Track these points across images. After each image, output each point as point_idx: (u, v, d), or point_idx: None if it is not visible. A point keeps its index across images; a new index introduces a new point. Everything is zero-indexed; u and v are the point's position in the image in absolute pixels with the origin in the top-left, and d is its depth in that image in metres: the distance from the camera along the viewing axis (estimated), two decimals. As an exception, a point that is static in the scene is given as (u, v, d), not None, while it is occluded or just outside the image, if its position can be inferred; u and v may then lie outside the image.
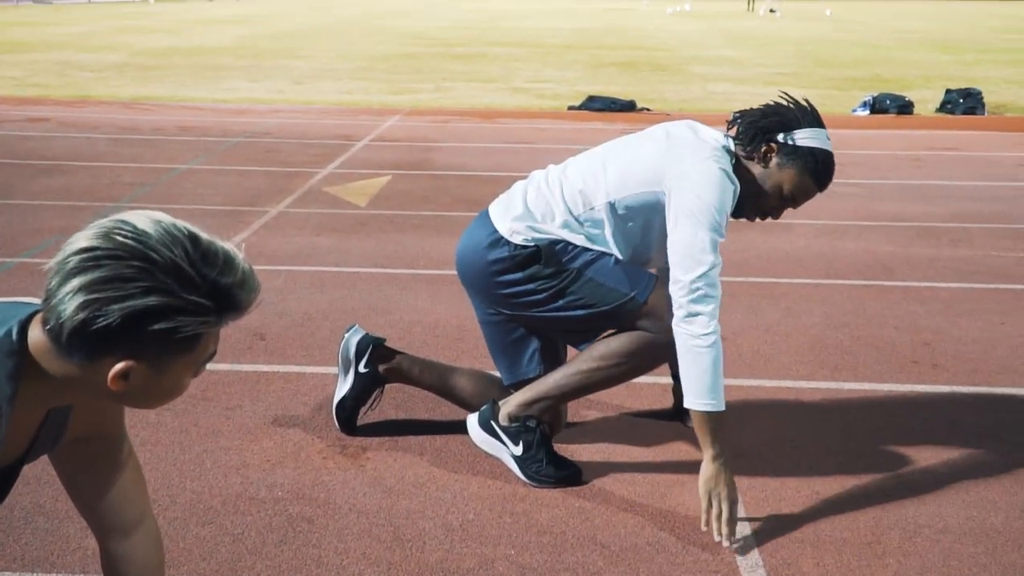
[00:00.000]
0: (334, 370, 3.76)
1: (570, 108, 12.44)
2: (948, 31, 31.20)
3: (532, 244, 3.03)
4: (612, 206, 2.98)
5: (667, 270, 2.89)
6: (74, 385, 1.48)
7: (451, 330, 4.46)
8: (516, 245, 3.04)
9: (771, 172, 2.97)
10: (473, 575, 2.63)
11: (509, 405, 3.14)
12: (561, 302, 3.04)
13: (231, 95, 13.36)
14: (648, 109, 12.30)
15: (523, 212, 3.06)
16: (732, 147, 3.02)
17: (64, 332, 1.39)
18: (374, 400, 3.42)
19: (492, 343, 3.30)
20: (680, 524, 2.90)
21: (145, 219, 1.42)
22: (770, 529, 2.89)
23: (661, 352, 2.99)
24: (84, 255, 1.38)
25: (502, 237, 3.06)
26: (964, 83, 14.77)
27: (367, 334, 3.40)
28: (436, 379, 3.40)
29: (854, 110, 12.35)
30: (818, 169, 2.96)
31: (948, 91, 12.86)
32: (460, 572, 2.64)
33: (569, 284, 3.02)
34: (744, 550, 2.77)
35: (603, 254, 3.04)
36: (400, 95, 13.69)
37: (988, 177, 8.32)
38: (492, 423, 3.13)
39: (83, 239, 1.40)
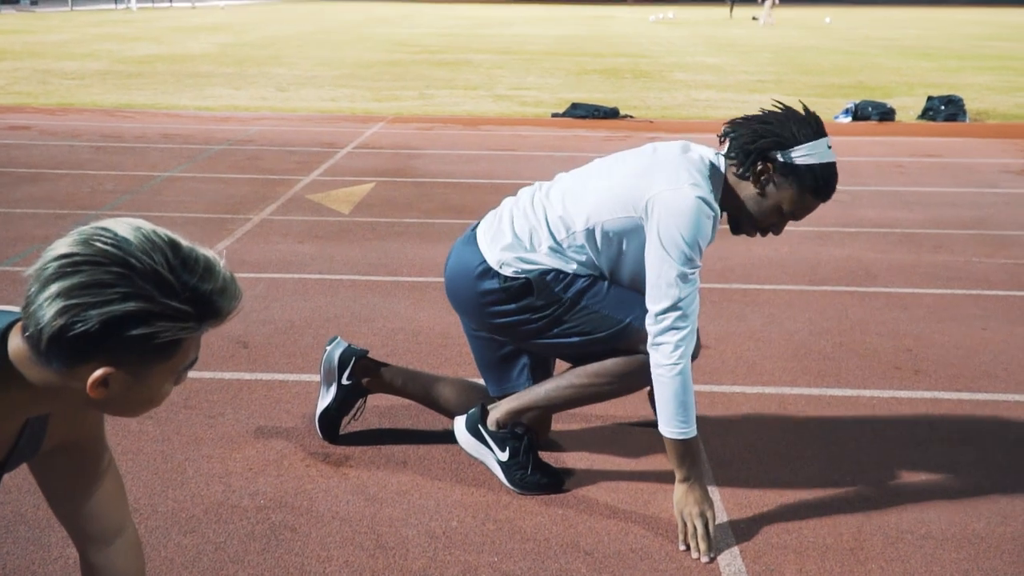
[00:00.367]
0: (317, 378, 3.75)
1: (553, 115, 12.46)
2: (929, 38, 31.37)
3: (523, 276, 2.97)
4: (591, 232, 2.91)
5: None
6: (54, 393, 1.47)
7: (434, 337, 4.45)
8: (507, 277, 2.98)
9: (768, 192, 2.87)
10: (456, 583, 2.62)
11: (498, 411, 3.13)
12: (556, 330, 3.01)
13: (214, 102, 13.33)
14: (631, 116, 12.32)
15: (512, 241, 2.99)
16: (723, 166, 2.92)
17: (43, 338, 1.38)
18: (357, 410, 3.40)
19: (480, 357, 3.28)
20: (663, 530, 2.90)
21: (125, 226, 1.42)
22: (753, 535, 2.89)
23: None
24: (63, 261, 1.37)
25: (491, 268, 3.00)
26: (946, 90, 14.88)
27: (349, 346, 3.38)
28: (420, 389, 3.39)
29: (836, 117, 12.40)
30: (818, 186, 2.85)
31: (930, 98, 12.93)
32: (443, 580, 2.63)
33: (563, 314, 2.98)
34: (727, 557, 2.77)
35: (596, 280, 2.99)
36: (383, 102, 13.68)
37: (969, 184, 8.37)
38: (480, 427, 3.12)
39: (63, 245, 1.39)
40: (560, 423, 3.53)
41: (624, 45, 27.43)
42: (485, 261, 3.01)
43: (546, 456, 3.25)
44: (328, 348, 3.38)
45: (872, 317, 4.87)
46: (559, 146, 9.81)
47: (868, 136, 11.03)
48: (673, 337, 2.77)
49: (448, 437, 3.37)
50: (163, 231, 1.44)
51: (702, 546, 2.77)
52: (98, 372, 1.41)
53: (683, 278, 2.76)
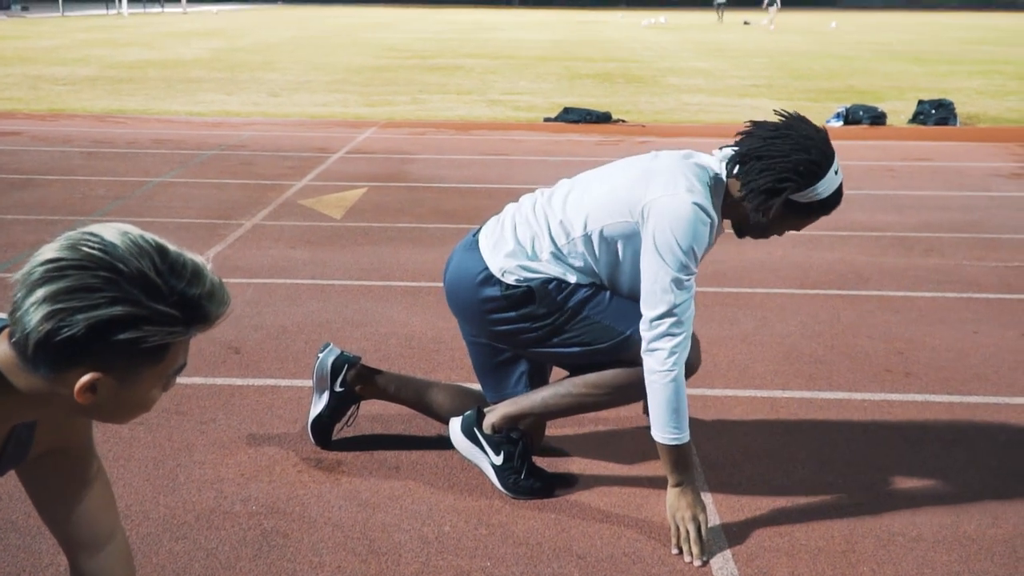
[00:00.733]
0: (309, 383, 3.74)
1: (546, 120, 12.47)
2: (920, 43, 31.45)
3: (524, 284, 2.96)
4: (589, 237, 2.90)
5: None
6: (42, 400, 1.46)
7: (427, 342, 4.45)
8: (508, 285, 2.97)
9: (774, 216, 2.83)
10: (449, 588, 2.62)
11: (494, 415, 3.12)
12: (556, 339, 3.01)
13: (206, 108, 13.31)
14: (623, 120, 12.34)
15: (514, 248, 2.98)
16: (725, 175, 2.86)
17: (29, 343, 1.37)
18: (350, 416, 3.40)
19: (478, 363, 3.27)
20: (656, 534, 2.90)
21: (112, 231, 1.41)
22: (745, 538, 2.89)
23: None
24: (49, 266, 1.37)
25: (493, 275, 2.99)
26: (936, 94, 14.92)
27: (342, 353, 3.37)
28: (413, 395, 3.38)
29: (828, 121, 12.43)
30: (826, 208, 2.83)
31: (920, 102, 12.97)
32: (435, 585, 2.63)
33: (564, 323, 2.98)
34: (719, 560, 2.77)
35: (598, 289, 2.98)
36: (376, 107, 13.68)
37: (960, 187, 8.39)
38: (475, 430, 3.12)
39: (49, 250, 1.38)
40: (553, 428, 3.53)
41: (616, 50, 27.47)
42: (487, 268, 3.00)
43: (539, 460, 3.24)
44: (320, 355, 3.37)
45: (863, 320, 4.88)
46: (552, 151, 9.82)
47: (859, 140, 11.05)
48: (667, 343, 2.77)
49: (441, 442, 3.37)
50: (151, 236, 1.43)
51: (695, 550, 2.78)
52: (85, 377, 1.40)
53: (678, 284, 2.76)
